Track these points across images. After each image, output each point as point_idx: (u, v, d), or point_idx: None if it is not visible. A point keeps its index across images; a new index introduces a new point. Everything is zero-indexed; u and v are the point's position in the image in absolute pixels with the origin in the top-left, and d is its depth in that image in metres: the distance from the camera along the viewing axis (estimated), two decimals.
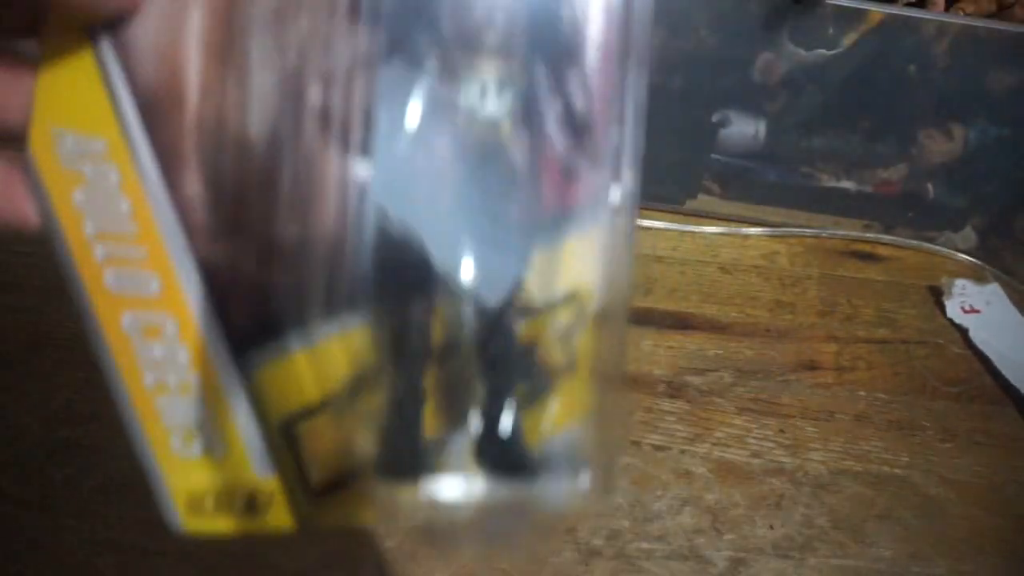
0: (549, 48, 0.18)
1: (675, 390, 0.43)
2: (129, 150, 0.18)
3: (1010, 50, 0.48)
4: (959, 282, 0.52)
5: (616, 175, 0.19)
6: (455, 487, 0.17)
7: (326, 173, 0.17)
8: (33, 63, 0.18)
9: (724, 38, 0.49)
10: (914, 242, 0.57)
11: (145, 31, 0.18)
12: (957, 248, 0.57)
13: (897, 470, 0.40)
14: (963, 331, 0.49)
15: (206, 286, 0.19)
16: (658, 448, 0.40)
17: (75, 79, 0.18)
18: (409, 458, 0.17)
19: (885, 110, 0.52)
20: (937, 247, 0.57)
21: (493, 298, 0.18)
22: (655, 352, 0.46)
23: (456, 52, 0.17)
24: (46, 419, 0.38)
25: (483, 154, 0.18)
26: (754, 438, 0.41)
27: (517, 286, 0.18)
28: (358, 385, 0.18)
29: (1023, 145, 0.52)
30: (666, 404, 0.42)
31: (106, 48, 0.18)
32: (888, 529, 0.37)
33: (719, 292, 0.51)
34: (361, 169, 0.17)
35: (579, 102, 0.19)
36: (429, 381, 0.18)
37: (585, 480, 0.18)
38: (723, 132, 0.54)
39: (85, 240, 0.19)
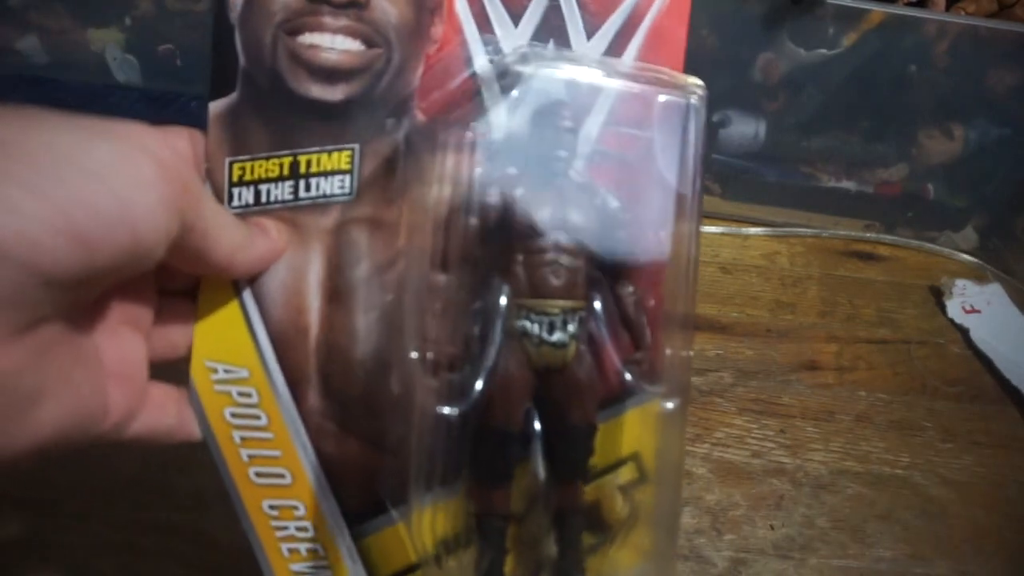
0: (610, 280, 0.23)
1: None
2: (266, 375, 0.24)
3: (1011, 50, 0.48)
4: (960, 282, 0.52)
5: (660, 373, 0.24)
6: None
7: (424, 386, 0.22)
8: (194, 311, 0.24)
9: (724, 38, 0.49)
10: (915, 242, 0.57)
11: (276, 281, 0.23)
12: (958, 248, 0.57)
13: (898, 470, 0.40)
14: (964, 331, 0.49)
15: (325, 476, 0.24)
16: None
17: (223, 322, 0.23)
18: None
19: (885, 110, 0.52)
20: (938, 247, 0.57)
21: (563, 472, 0.23)
22: None
23: (529, 299, 0.22)
24: None
25: (550, 371, 0.22)
26: (754, 438, 0.41)
27: (581, 467, 0.23)
28: (450, 546, 0.23)
29: None
30: None
31: (247, 297, 0.23)
32: (889, 529, 0.37)
33: (719, 292, 0.51)
34: (446, 408, 0.22)
35: (633, 320, 0.24)
36: (510, 538, 0.23)
37: None
38: (723, 132, 0.54)
39: (234, 446, 0.24)
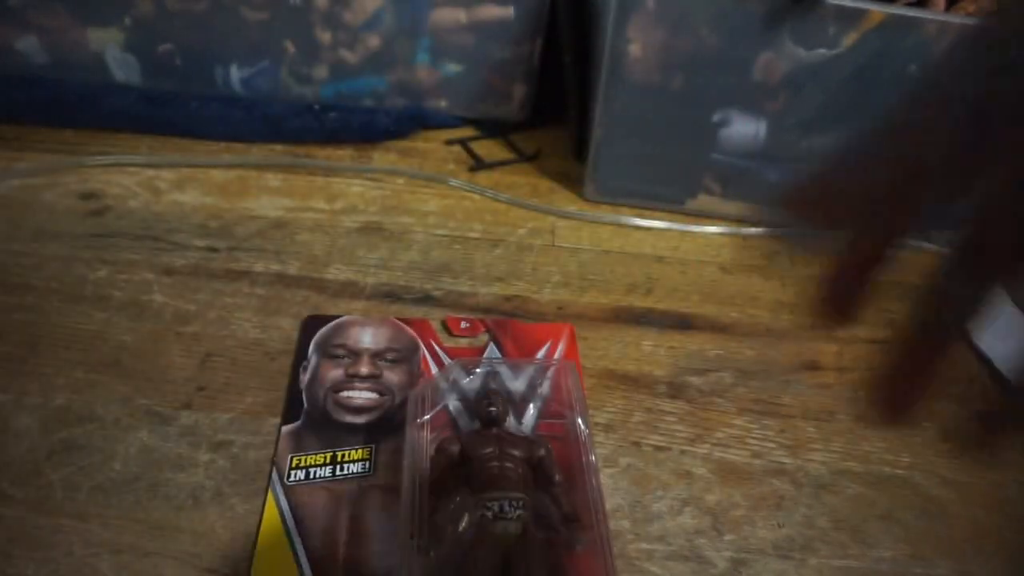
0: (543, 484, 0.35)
1: (676, 390, 0.43)
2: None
3: None
4: None
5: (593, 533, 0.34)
6: None
7: (415, 561, 0.32)
8: None
9: (724, 38, 0.49)
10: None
11: (318, 525, 0.35)
12: None
13: (898, 471, 0.40)
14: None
15: None
16: (659, 449, 0.40)
17: (277, 550, 0.34)
18: None
19: (886, 110, 0.51)
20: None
21: None
22: (655, 352, 0.46)
23: (489, 493, 0.33)
24: (45, 420, 0.38)
25: (510, 546, 0.32)
26: (755, 438, 0.41)
27: None
28: None
29: None
30: (667, 404, 0.42)
31: (294, 532, 0.35)
32: (889, 530, 0.37)
33: (720, 292, 0.51)
34: None
35: (561, 503, 0.34)
36: None
37: None
38: (723, 132, 0.54)
39: None
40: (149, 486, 0.36)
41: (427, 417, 0.38)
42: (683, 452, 0.40)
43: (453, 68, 0.62)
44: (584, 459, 0.36)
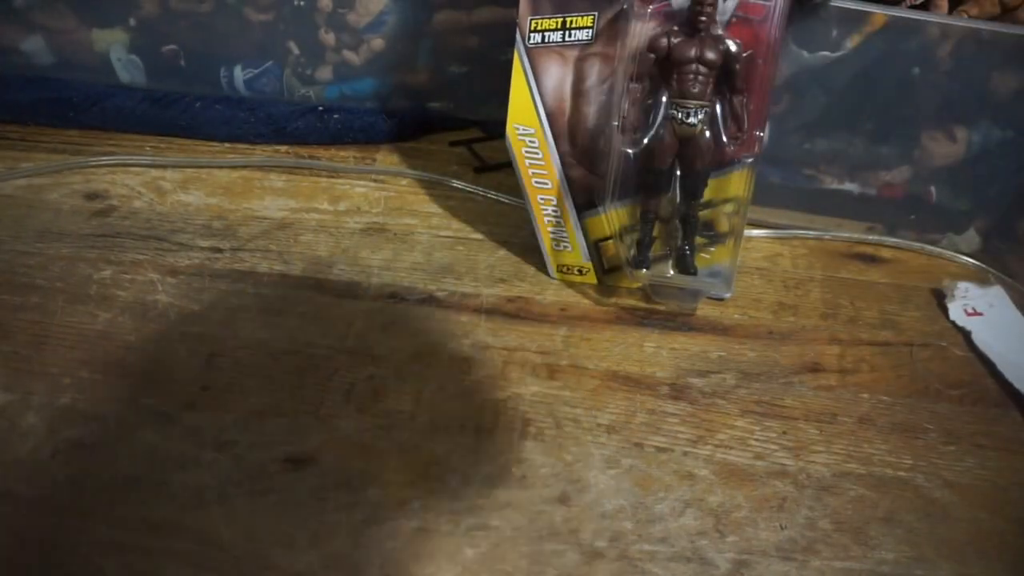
0: (728, 91, 0.42)
1: (678, 392, 0.43)
2: (542, 132, 0.46)
3: (1013, 53, 0.48)
4: (962, 285, 0.52)
5: (754, 150, 0.44)
6: (663, 274, 0.47)
7: (618, 139, 0.44)
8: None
9: None
10: (917, 244, 0.57)
11: (550, 86, 0.45)
12: (960, 251, 0.57)
13: (900, 473, 0.40)
14: (966, 334, 0.49)
15: (568, 185, 0.47)
16: (661, 450, 0.40)
17: (523, 104, 0.45)
18: (645, 262, 0.47)
19: (888, 112, 0.52)
20: (940, 249, 0.57)
21: (689, 194, 0.45)
22: (658, 354, 0.46)
23: (678, 99, 0.42)
24: (50, 419, 0.38)
25: (686, 140, 0.43)
26: (757, 440, 0.41)
27: (699, 193, 0.45)
28: (625, 230, 0.46)
29: None
30: (669, 406, 0.42)
31: (535, 91, 0.45)
32: (891, 532, 0.37)
33: None
34: (628, 151, 0.45)
35: (739, 116, 0.42)
36: (659, 230, 0.46)
37: (725, 282, 0.47)
38: None
39: (526, 167, 0.47)
40: (154, 485, 0.36)
41: (650, 9, 0.41)
42: (685, 453, 0.40)
43: (457, 70, 0.63)
44: (773, 36, 0.41)
